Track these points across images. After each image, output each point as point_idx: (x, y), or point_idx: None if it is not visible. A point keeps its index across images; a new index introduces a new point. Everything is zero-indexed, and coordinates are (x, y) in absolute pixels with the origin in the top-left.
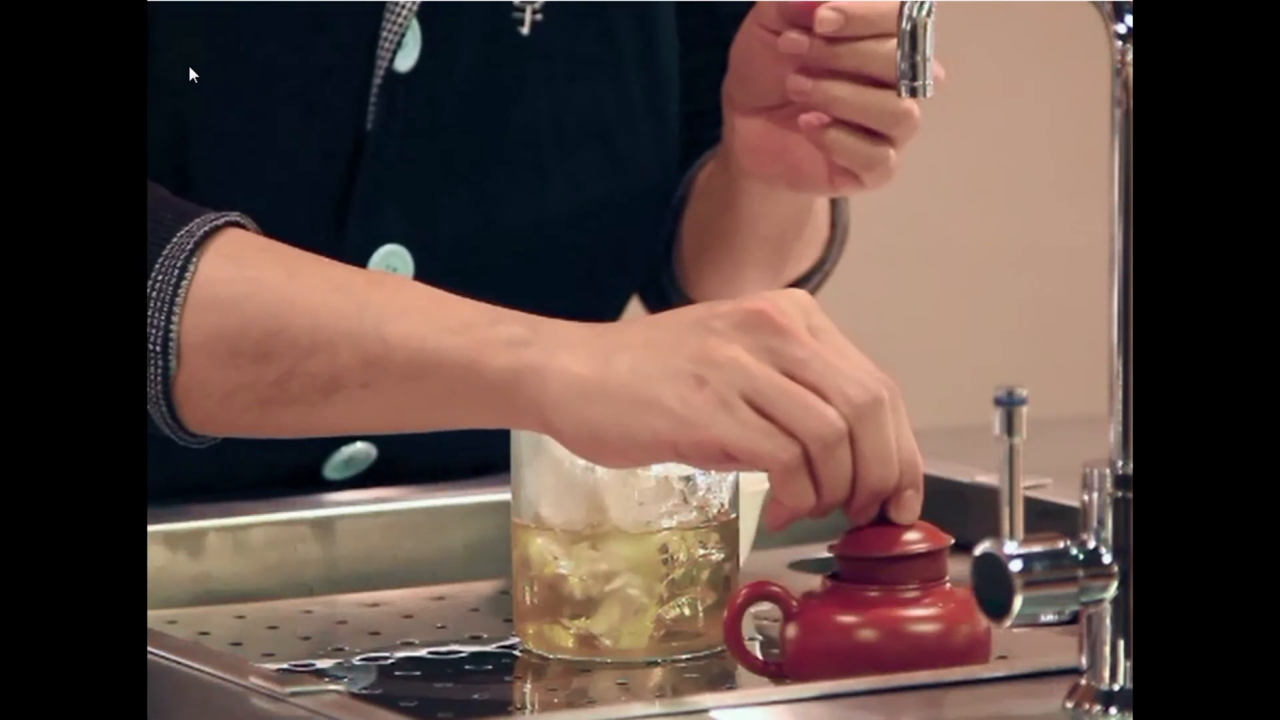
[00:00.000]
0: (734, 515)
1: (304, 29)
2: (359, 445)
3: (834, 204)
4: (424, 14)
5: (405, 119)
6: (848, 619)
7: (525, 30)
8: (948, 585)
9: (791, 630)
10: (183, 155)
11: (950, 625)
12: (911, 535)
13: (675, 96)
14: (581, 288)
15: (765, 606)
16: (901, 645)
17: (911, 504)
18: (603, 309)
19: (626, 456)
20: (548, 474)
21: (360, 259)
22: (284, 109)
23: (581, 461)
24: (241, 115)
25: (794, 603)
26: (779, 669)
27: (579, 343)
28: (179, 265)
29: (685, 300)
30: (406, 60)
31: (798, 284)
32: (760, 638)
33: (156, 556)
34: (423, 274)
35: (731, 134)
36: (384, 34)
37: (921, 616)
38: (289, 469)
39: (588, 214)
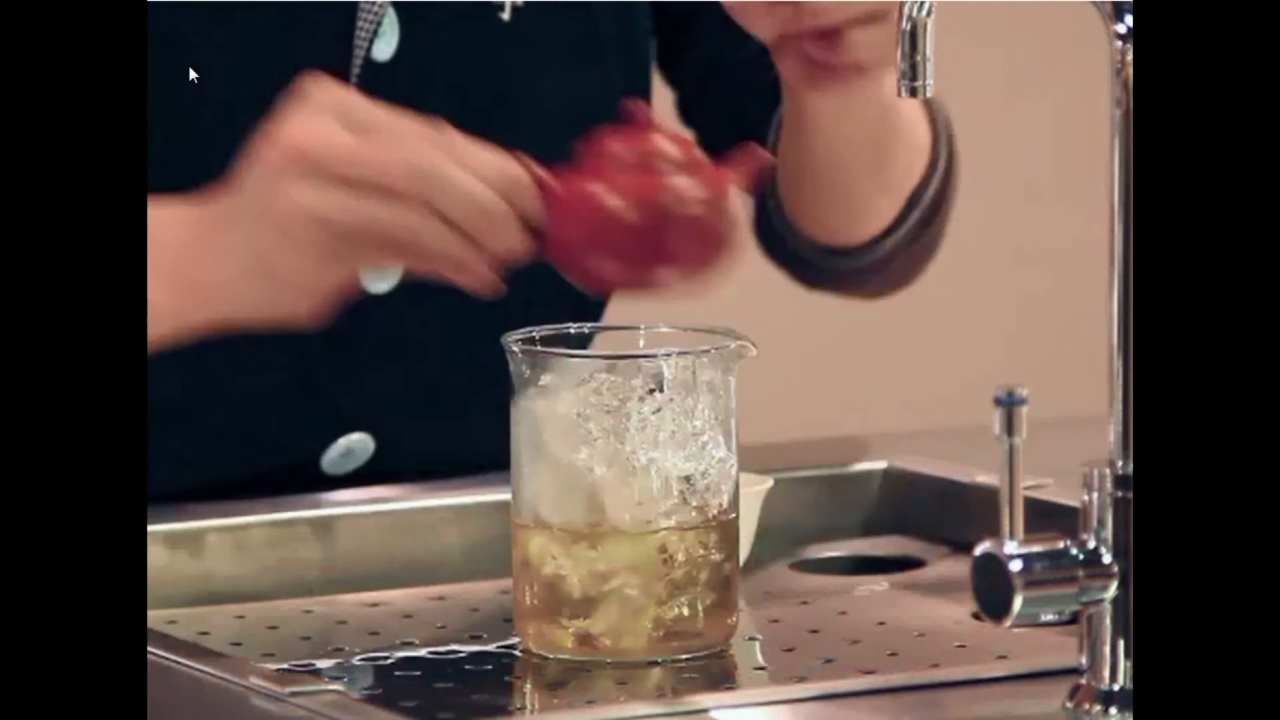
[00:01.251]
0: (733, 515)
1: (279, 20)
2: (355, 436)
3: (930, 110)
4: (402, 2)
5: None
6: (597, 187)
7: (506, 16)
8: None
9: (548, 204)
10: (171, 150)
11: (705, 203)
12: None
13: (651, 82)
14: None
15: (768, 608)
16: (650, 215)
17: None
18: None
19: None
20: (547, 474)
21: None
22: (268, 100)
23: (581, 462)
24: (219, 108)
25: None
26: (544, 249)
27: None
28: None
29: (788, 225)
30: (385, 49)
31: (916, 194)
32: (761, 638)
33: (156, 556)
34: None
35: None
36: (360, 23)
37: (673, 189)
38: (287, 462)
39: None
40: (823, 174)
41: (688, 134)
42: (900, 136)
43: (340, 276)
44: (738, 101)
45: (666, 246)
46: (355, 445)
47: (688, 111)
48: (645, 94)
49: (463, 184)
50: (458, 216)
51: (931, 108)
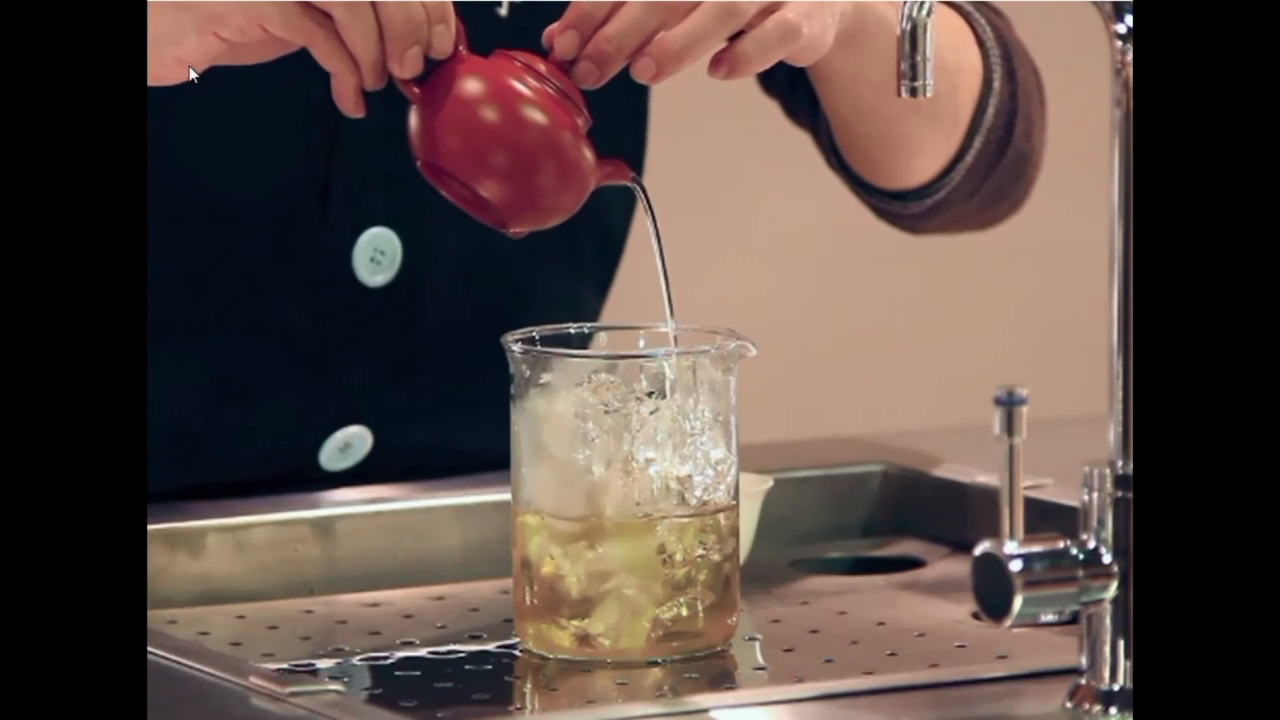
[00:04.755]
0: (734, 515)
1: None
2: (354, 429)
3: (976, 30)
4: None
5: (382, 100)
6: (467, 82)
7: (504, 12)
8: (582, 125)
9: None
10: (161, 144)
11: (550, 121)
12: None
13: None
14: (566, 259)
15: (768, 608)
16: (501, 114)
17: (441, 38)
18: (584, 277)
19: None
20: (547, 474)
21: (347, 242)
22: (259, 95)
23: (580, 461)
24: (216, 101)
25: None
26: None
27: None
28: None
29: (855, 179)
30: None
31: (975, 117)
32: (761, 638)
33: (156, 556)
34: (409, 255)
35: None
36: None
37: (523, 94)
38: (286, 458)
39: None
40: (859, 124)
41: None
42: (937, 66)
43: (248, 15)
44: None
45: (515, 160)
46: (353, 439)
47: (764, 82)
48: (642, 88)
49: None
50: (387, 14)
51: (977, 27)
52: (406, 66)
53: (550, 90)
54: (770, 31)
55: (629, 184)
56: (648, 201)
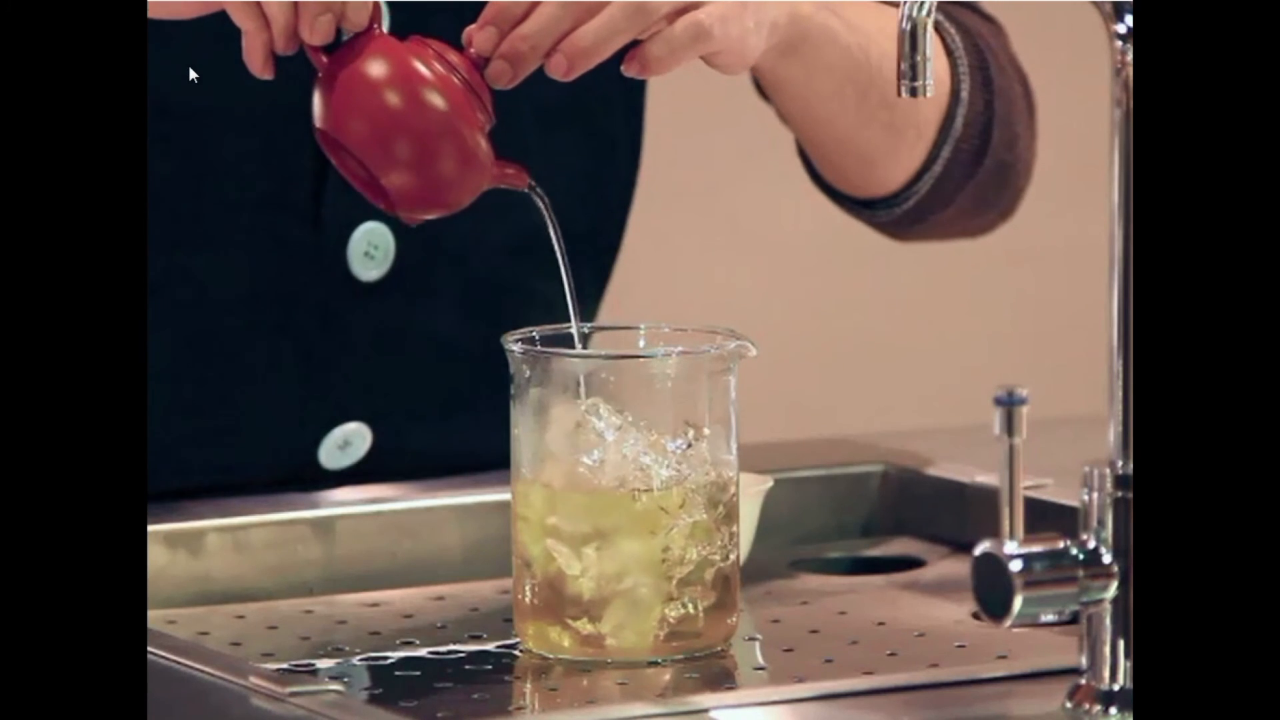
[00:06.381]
0: (734, 515)
1: None
2: (352, 425)
3: (945, 39)
4: (396, 1)
5: None
6: (365, 63)
7: None
8: (483, 120)
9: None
10: (153, 139)
11: (448, 108)
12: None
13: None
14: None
15: (768, 608)
16: (399, 94)
17: (356, 11)
18: (581, 280)
19: None
20: (547, 474)
21: (340, 237)
22: (251, 94)
23: (581, 462)
24: (211, 96)
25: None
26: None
27: None
28: None
29: (827, 188)
30: None
31: (943, 126)
32: (761, 638)
33: (156, 556)
34: (403, 250)
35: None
36: None
37: (425, 78)
38: (285, 455)
39: (566, 188)
40: (815, 134)
41: None
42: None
43: None
44: None
45: (406, 141)
46: (352, 436)
47: (756, 84)
48: (639, 87)
49: None
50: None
51: (946, 37)
52: (316, 33)
53: (455, 80)
54: (679, 32)
55: (527, 190)
56: (549, 212)
